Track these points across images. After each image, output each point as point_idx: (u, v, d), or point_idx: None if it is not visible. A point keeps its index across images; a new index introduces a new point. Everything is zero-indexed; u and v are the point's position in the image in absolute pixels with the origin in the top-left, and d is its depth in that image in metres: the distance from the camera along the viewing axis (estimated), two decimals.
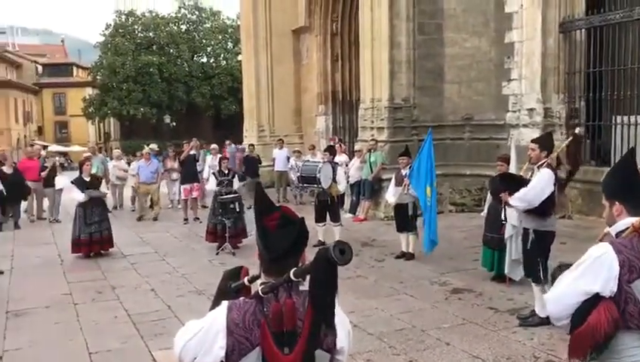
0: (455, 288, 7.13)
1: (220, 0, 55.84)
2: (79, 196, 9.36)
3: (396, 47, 12.76)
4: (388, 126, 12.80)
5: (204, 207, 14.08)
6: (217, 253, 9.61)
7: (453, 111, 13.13)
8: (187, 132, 42.26)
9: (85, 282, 8.02)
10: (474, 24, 12.90)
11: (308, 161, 10.92)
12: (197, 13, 51.55)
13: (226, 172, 10.11)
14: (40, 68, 60.58)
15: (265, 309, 1.92)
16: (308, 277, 1.87)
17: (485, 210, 7.81)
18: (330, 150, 10.49)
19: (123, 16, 50.20)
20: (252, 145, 15.84)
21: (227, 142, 18.75)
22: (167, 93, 47.79)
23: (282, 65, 19.90)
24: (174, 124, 45.64)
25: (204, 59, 52.28)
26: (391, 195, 8.88)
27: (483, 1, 12.74)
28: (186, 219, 13.06)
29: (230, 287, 2.29)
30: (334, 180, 9.56)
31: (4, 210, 10.62)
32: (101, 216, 9.55)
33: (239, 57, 51.57)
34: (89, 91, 54.83)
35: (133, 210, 14.87)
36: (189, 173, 13.02)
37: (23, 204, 13.64)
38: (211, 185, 10.10)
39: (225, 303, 1.99)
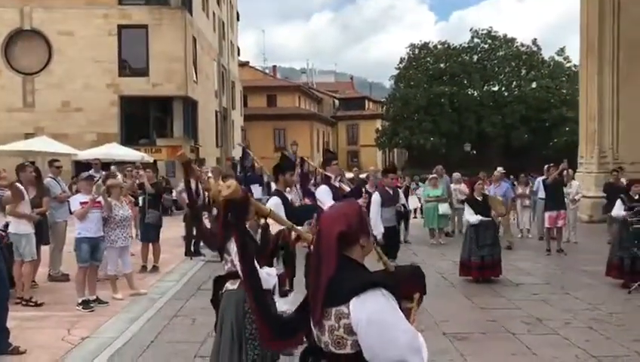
0: None
1: (513, 26, 54.32)
2: (472, 218, 8.84)
3: None
4: None
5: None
6: (629, 292, 8.17)
7: None
8: (475, 162, 41.35)
9: (500, 309, 7.31)
10: None
11: None
12: (490, 41, 50.57)
13: (637, 197, 8.62)
14: (337, 102, 66.13)
15: None
16: None
17: None
18: None
19: (416, 50, 51.80)
20: (616, 170, 13.84)
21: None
22: (457, 123, 47.58)
23: (630, 82, 17.47)
24: (474, 152, 44.76)
25: (496, 88, 50.94)
26: None
27: None
28: (548, 250, 11.80)
29: None
30: None
31: None
32: (493, 240, 8.88)
33: (534, 85, 49.33)
34: (379, 123, 57.82)
35: None
36: (555, 199, 11.75)
37: None
38: (617, 210, 8.69)
39: None
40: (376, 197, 8.06)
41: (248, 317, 3.69)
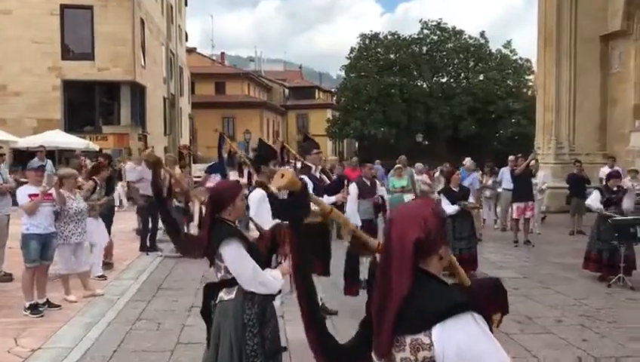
0: None
1: (459, 19, 54.88)
2: (449, 208, 8.48)
3: None
4: None
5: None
6: (609, 286, 8.03)
7: None
8: (424, 152, 41.52)
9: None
10: None
11: None
12: (439, 32, 50.88)
13: (615, 189, 8.49)
14: (287, 91, 65.38)
15: None
16: None
17: None
18: None
19: (367, 40, 51.60)
20: (579, 161, 13.91)
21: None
22: (407, 114, 47.69)
23: (586, 75, 17.68)
24: (426, 142, 44.98)
25: (445, 79, 51.36)
26: None
27: None
28: (515, 242, 11.68)
29: None
30: None
31: None
32: (470, 232, 8.58)
33: (481, 77, 50.00)
34: (329, 113, 57.45)
35: None
36: (524, 189, 11.61)
37: None
38: (594, 202, 8.53)
39: None
40: (353, 189, 7.55)
41: (249, 331, 3.14)
